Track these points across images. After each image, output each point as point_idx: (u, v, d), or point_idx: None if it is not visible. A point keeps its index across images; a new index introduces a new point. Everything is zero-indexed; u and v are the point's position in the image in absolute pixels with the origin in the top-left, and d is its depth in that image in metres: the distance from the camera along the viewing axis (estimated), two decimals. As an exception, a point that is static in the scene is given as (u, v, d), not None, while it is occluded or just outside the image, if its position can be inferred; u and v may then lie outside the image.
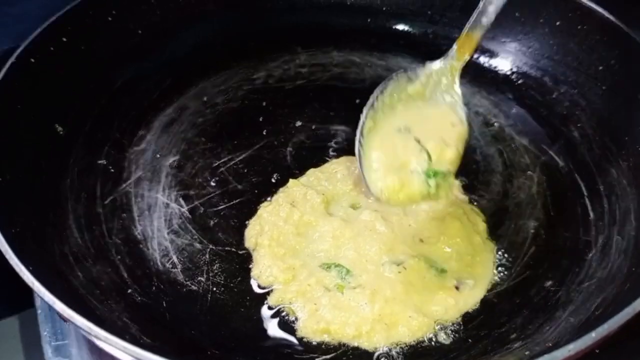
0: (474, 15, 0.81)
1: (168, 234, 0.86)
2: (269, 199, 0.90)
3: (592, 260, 0.82)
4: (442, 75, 0.83)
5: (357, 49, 1.15)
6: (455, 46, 0.83)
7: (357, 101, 1.05)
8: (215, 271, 0.82)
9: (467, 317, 0.78)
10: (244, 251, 0.84)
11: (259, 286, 0.81)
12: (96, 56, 1.00)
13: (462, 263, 0.82)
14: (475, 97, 1.07)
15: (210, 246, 0.85)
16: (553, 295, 0.79)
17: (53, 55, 0.93)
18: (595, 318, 0.72)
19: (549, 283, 0.81)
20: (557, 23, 1.04)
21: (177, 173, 0.94)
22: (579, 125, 0.98)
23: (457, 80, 0.83)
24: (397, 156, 0.82)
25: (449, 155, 0.82)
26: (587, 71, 1.00)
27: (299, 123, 1.02)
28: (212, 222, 0.88)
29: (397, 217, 0.86)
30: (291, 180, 0.90)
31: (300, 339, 0.76)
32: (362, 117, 0.82)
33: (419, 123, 0.82)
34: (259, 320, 0.77)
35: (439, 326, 0.76)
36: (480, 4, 0.80)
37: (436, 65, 0.83)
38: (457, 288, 0.80)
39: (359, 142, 0.82)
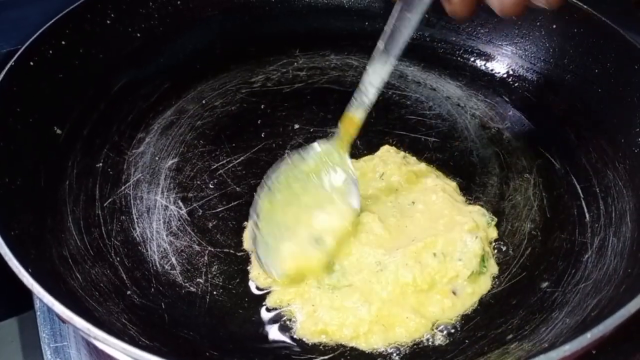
0: (357, 97, 0.82)
1: (167, 235, 0.86)
2: (267, 201, 0.90)
3: (588, 262, 0.82)
4: (333, 152, 0.85)
5: (355, 52, 1.16)
6: (340, 125, 0.85)
7: (355, 104, 1.06)
8: (214, 273, 0.82)
9: (464, 318, 0.78)
10: (242, 253, 0.85)
11: (258, 288, 0.81)
12: (95, 59, 1.00)
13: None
14: (472, 100, 1.08)
15: (209, 248, 0.85)
16: (549, 296, 0.80)
17: (52, 58, 0.93)
18: (591, 319, 0.72)
19: (545, 284, 0.81)
20: (554, 26, 1.05)
21: (175, 175, 0.94)
22: (575, 127, 0.99)
23: (346, 155, 0.85)
24: (296, 235, 0.82)
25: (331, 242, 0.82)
26: (584, 74, 1.00)
27: (296, 126, 1.02)
28: (210, 224, 0.88)
29: (394, 219, 0.86)
30: None
31: (298, 340, 0.76)
32: (257, 198, 0.84)
33: (313, 208, 0.84)
34: (258, 322, 0.78)
35: (436, 327, 0.77)
36: (361, 86, 0.82)
37: (327, 143, 0.86)
38: (454, 293, 0.80)
39: (255, 223, 0.82)
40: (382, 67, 0.79)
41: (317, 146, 0.86)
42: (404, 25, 0.76)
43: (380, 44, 0.79)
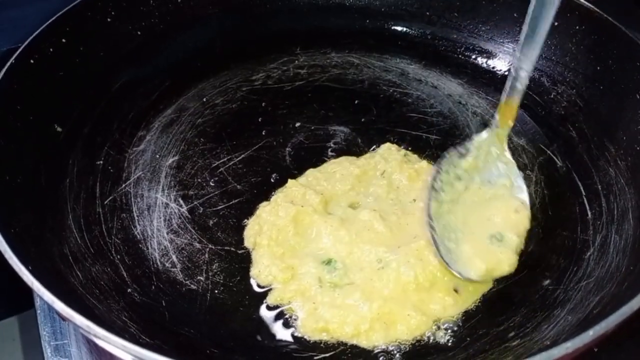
0: (509, 82, 0.85)
1: (167, 233, 0.86)
2: (268, 199, 0.90)
3: (590, 259, 0.82)
4: (490, 145, 0.86)
5: (356, 50, 1.16)
6: (497, 115, 0.87)
7: (356, 102, 1.06)
8: (215, 271, 0.82)
9: (466, 316, 0.78)
10: (243, 251, 0.85)
11: (258, 285, 0.81)
12: (95, 57, 1.00)
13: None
14: (474, 97, 1.08)
15: (210, 246, 0.85)
16: (551, 294, 0.79)
17: (52, 56, 0.93)
18: (593, 317, 0.72)
19: (547, 282, 0.81)
20: (555, 23, 1.04)
21: (176, 173, 0.94)
22: (577, 125, 0.98)
23: (505, 147, 0.87)
24: (473, 235, 0.81)
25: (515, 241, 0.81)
26: (585, 71, 1.00)
27: (297, 124, 1.02)
28: (211, 222, 0.88)
29: (396, 217, 0.86)
30: (290, 181, 0.91)
31: (299, 338, 0.76)
32: (426, 200, 0.83)
33: (483, 205, 0.84)
34: (258, 320, 0.77)
35: (437, 325, 0.77)
36: (512, 71, 0.84)
37: (483, 136, 0.87)
38: (456, 290, 0.80)
39: (430, 225, 0.81)
40: (531, 52, 0.81)
41: (475, 141, 0.86)
42: (546, 8, 0.79)
43: (525, 27, 0.80)
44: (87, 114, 0.97)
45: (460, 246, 0.80)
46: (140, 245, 0.85)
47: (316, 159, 0.96)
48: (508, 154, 0.86)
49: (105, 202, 0.89)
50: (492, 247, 0.80)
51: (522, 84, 0.84)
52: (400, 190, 0.90)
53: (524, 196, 0.84)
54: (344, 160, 0.95)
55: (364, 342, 0.75)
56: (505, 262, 0.80)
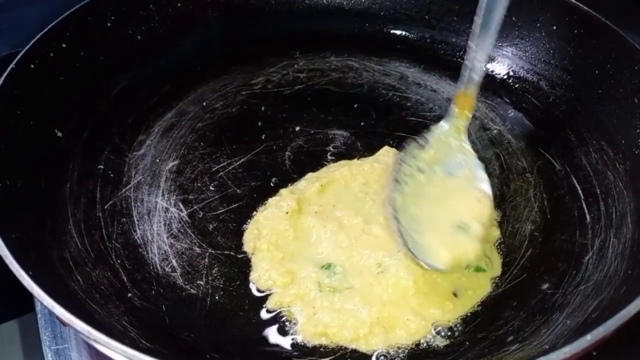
0: (465, 74, 0.85)
1: (167, 238, 0.86)
2: (267, 202, 0.90)
3: (589, 263, 0.82)
4: (449, 136, 0.86)
5: (355, 53, 1.16)
6: (454, 106, 0.87)
7: (355, 105, 1.06)
8: (214, 275, 0.82)
9: (465, 320, 0.78)
10: (242, 255, 0.85)
11: (258, 290, 0.81)
12: (96, 62, 1.00)
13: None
14: (472, 101, 1.08)
15: (210, 250, 0.85)
16: (550, 298, 0.80)
17: (53, 60, 0.93)
18: (591, 321, 0.72)
19: (545, 286, 0.81)
20: (554, 27, 1.05)
21: (176, 178, 0.94)
22: (575, 128, 0.99)
23: (465, 138, 0.86)
24: (438, 225, 0.80)
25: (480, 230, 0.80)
26: (584, 75, 1.00)
27: (297, 128, 1.02)
28: (211, 227, 0.88)
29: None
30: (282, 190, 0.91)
31: (298, 342, 0.76)
32: (390, 192, 0.83)
33: (446, 196, 0.83)
34: (258, 324, 0.78)
35: (436, 329, 0.77)
36: (468, 63, 0.84)
37: (442, 127, 0.87)
38: (455, 295, 0.80)
39: (395, 218, 0.80)
40: (485, 43, 0.82)
41: (434, 132, 0.86)
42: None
43: (477, 19, 0.80)
44: (88, 118, 0.97)
45: (425, 237, 0.79)
46: (141, 250, 0.85)
47: (315, 163, 0.96)
48: (467, 145, 0.86)
49: (106, 207, 0.89)
50: (457, 237, 0.79)
51: (478, 75, 0.84)
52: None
53: (485, 186, 0.83)
54: (344, 164, 0.95)
55: (363, 347, 0.75)
56: (471, 251, 0.78)
